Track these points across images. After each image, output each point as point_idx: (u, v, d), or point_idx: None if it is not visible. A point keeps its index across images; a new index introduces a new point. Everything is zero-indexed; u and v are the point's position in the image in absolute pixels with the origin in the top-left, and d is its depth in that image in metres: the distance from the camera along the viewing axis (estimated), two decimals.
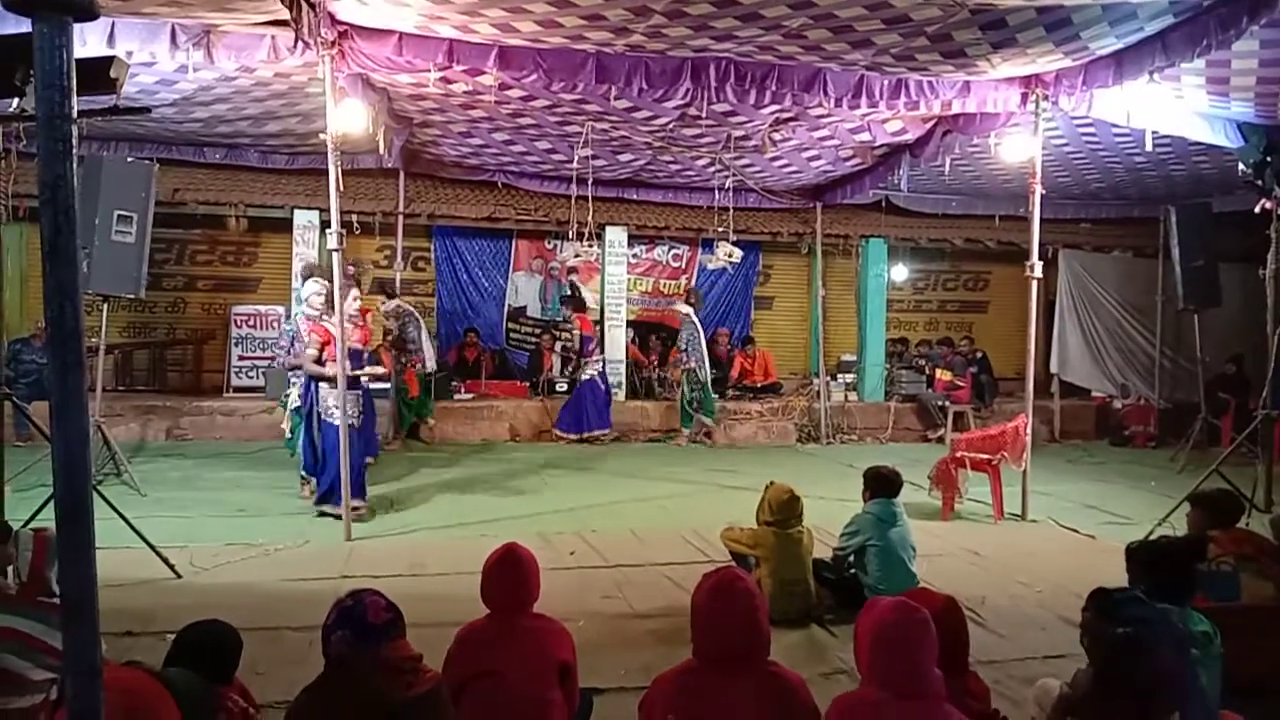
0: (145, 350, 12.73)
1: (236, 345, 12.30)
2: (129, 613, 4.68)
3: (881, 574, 5.09)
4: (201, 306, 13.22)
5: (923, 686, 2.38)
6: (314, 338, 7.23)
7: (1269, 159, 7.32)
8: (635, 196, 12.68)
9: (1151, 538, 4.56)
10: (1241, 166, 7.71)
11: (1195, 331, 10.87)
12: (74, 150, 1.51)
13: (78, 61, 5.36)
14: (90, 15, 1.47)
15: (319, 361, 7.13)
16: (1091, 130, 9.26)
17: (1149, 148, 8.27)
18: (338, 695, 2.47)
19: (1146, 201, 12.92)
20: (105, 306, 8.35)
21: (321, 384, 7.19)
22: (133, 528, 5.56)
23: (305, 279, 8.16)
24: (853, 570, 5.29)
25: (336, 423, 6.91)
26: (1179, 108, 7.93)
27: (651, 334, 13.76)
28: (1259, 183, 7.30)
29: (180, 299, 13.17)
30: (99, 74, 4.92)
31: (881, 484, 5.41)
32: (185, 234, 12.80)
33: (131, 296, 8.51)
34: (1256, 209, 7.43)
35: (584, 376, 11.49)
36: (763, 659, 2.57)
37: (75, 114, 1.55)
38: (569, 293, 12.19)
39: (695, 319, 11.98)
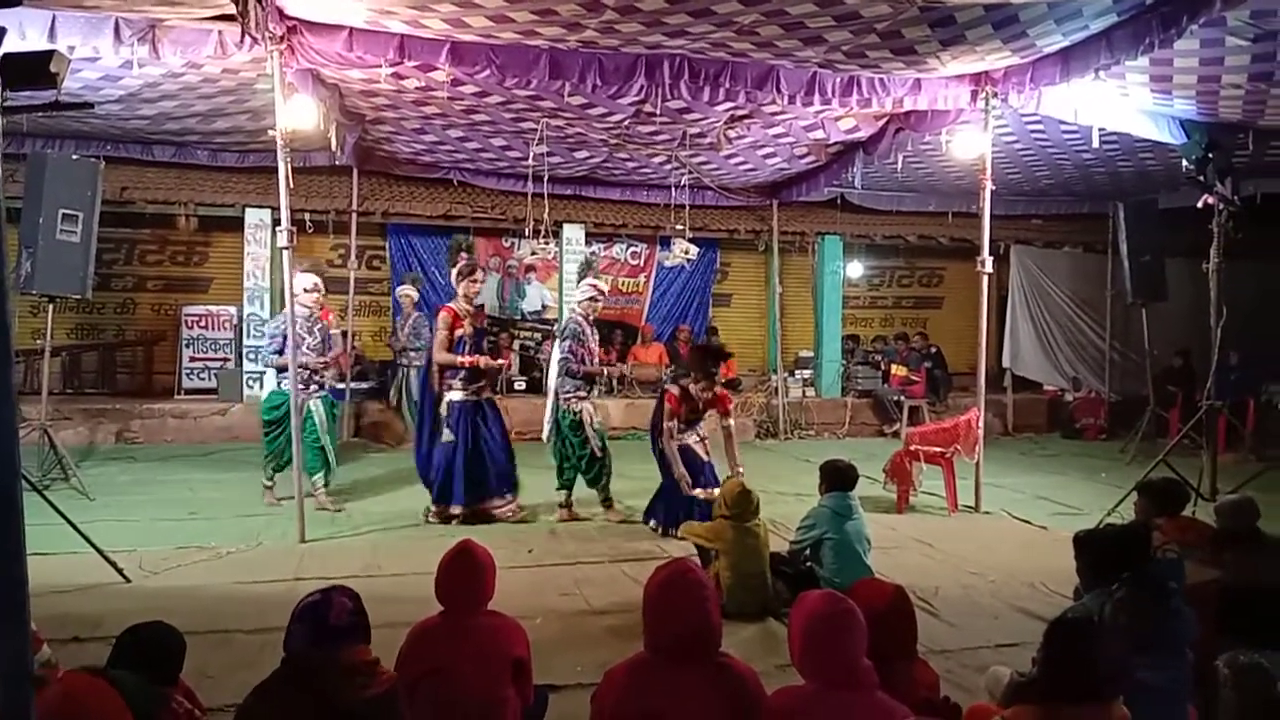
0: (94, 352, 12.51)
1: (188, 346, 12.12)
2: (76, 618, 4.59)
3: (836, 567, 5.12)
4: (151, 307, 13.00)
5: (853, 677, 2.41)
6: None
7: (1210, 155, 7.48)
8: (592, 194, 12.67)
9: (1099, 527, 4.65)
10: (1185, 163, 7.87)
11: (1143, 325, 11.08)
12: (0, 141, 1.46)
13: (17, 55, 5.23)
14: (13, 2, 1.42)
15: None
16: (1040, 127, 9.40)
17: (1096, 144, 8.43)
18: (287, 695, 2.44)
19: (1095, 198, 13.14)
20: (51, 307, 8.18)
21: None
22: (80, 532, 5.44)
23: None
24: (809, 563, 5.33)
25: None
26: (1124, 105, 8.08)
27: (614, 331, 13.72)
28: (1201, 179, 7.44)
29: (129, 299, 12.94)
30: (39, 68, 4.85)
31: (837, 477, 5.44)
32: (134, 233, 12.58)
33: (78, 297, 8.32)
34: (1199, 204, 7.58)
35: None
36: (714, 651, 2.58)
37: (4, 105, 1.50)
38: None
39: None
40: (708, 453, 6.98)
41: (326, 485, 7.61)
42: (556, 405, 7.27)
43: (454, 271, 7.29)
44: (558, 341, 7.37)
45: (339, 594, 2.61)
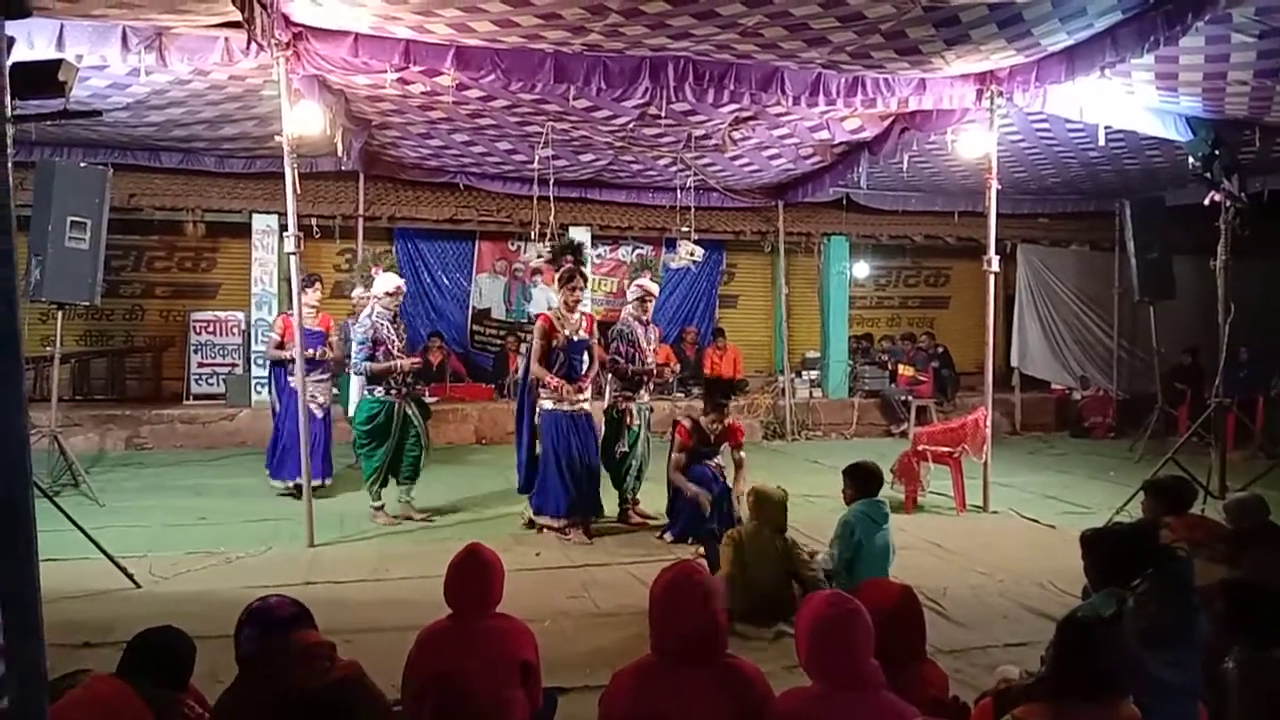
0: (103, 359, 12.51)
1: (196, 352, 12.15)
2: (86, 624, 4.62)
3: (858, 576, 4.85)
4: (160, 313, 13.02)
5: (860, 677, 2.41)
6: None
7: (1217, 152, 7.48)
8: (598, 197, 12.68)
9: (1107, 525, 4.64)
10: (1191, 160, 7.86)
11: (1151, 323, 11.05)
12: (9, 148, 1.48)
13: (26, 64, 5.26)
14: (23, 13, 1.44)
15: None
16: (1046, 126, 9.38)
17: (1102, 142, 8.41)
18: (254, 690, 2.49)
19: (1102, 196, 13.11)
20: (60, 315, 8.23)
21: None
22: (90, 538, 5.46)
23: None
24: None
25: None
26: (1130, 103, 8.07)
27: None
28: (1208, 176, 7.44)
29: (138, 306, 12.97)
30: (47, 77, 4.88)
31: (868, 481, 5.23)
32: (142, 240, 12.61)
33: (86, 304, 8.38)
34: (1206, 201, 7.57)
35: (291, 383, 8.05)
36: (721, 652, 2.58)
37: (12, 114, 1.52)
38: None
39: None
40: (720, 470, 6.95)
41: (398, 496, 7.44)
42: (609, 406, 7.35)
43: (555, 276, 7.01)
44: (610, 343, 7.41)
45: (275, 596, 2.74)
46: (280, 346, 8.07)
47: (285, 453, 8.06)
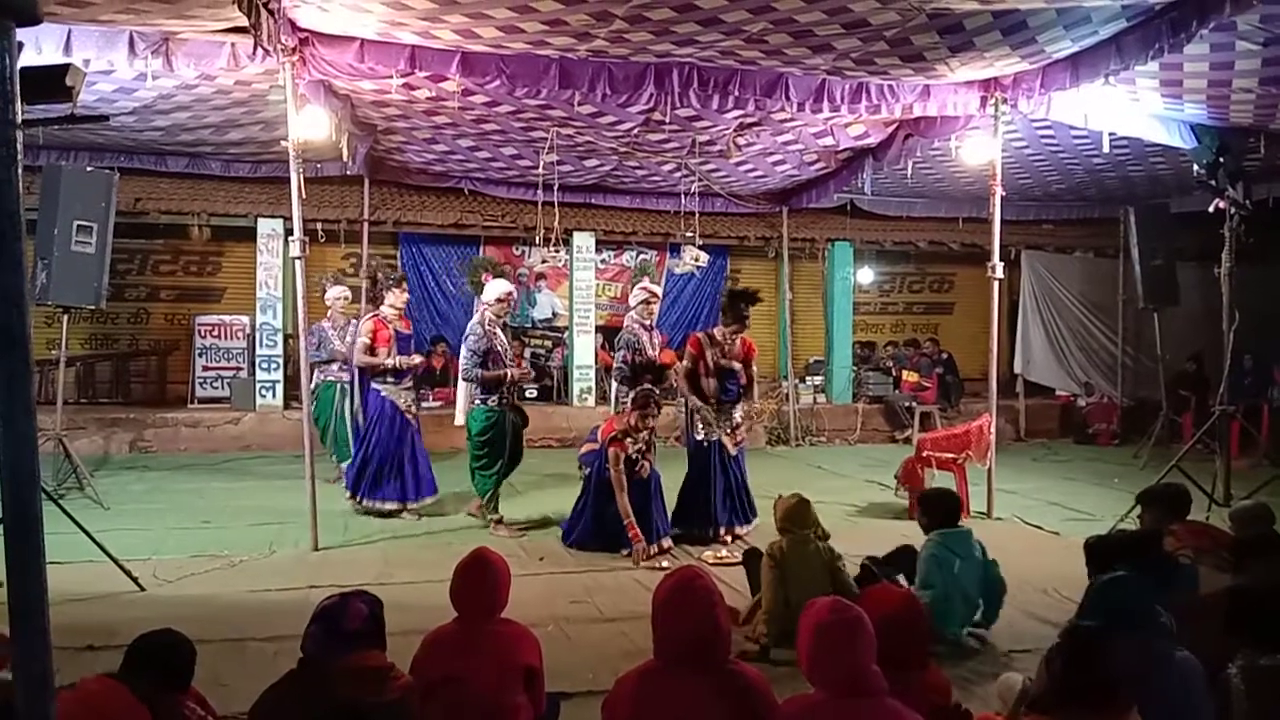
0: (108, 362, 12.57)
1: (201, 356, 12.19)
2: (90, 627, 4.61)
3: (943, 610, 4.59)
4: (165, 317, 13.07)
5: (862, 685, 2.40)
6: None
7: (1221, 159, 7.47)
8: (602, 202, 12.69)
9: (1111, 532, 4.63)
10: (1196, 167, 7.86)
11: (1156, 330, 11.04)
12: (19, 155, 1.49)
13: (34, 69, 5.27)
14: (33, 20, 1.45)
15: None
16: (1050, 132, 9.39)
17: (1106, 149, 8.42)
18: (297, 695, 2.49)
19: (1106, 202, 13.11)
20: (65, 318, 8.26)
21: None
22: (95, 541, 5.47)
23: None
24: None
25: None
26: (1135, 110, 8.07)
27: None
28: (1212, 183, 7.43)
29: (143, 310, 13.01)
30: (55, 82, 4.89)
31: (937, 508, 4.94)
32: (147, 244, 12.67)
33: (92, 308, 8.41)
34: (1211, 208, 7.57)
35: (381, 391, 7.57)
36: (723, 658, 2.58)
37: (21, 119, 1.53)
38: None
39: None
40: (739, 445, 6.87)
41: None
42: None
43: (630, 396, 6.63)
44: (616, 350, 7.32)
45: (356, 599, 2.69)
46: (372, 351, 7.42)
47: (384, 471, 7.44)
